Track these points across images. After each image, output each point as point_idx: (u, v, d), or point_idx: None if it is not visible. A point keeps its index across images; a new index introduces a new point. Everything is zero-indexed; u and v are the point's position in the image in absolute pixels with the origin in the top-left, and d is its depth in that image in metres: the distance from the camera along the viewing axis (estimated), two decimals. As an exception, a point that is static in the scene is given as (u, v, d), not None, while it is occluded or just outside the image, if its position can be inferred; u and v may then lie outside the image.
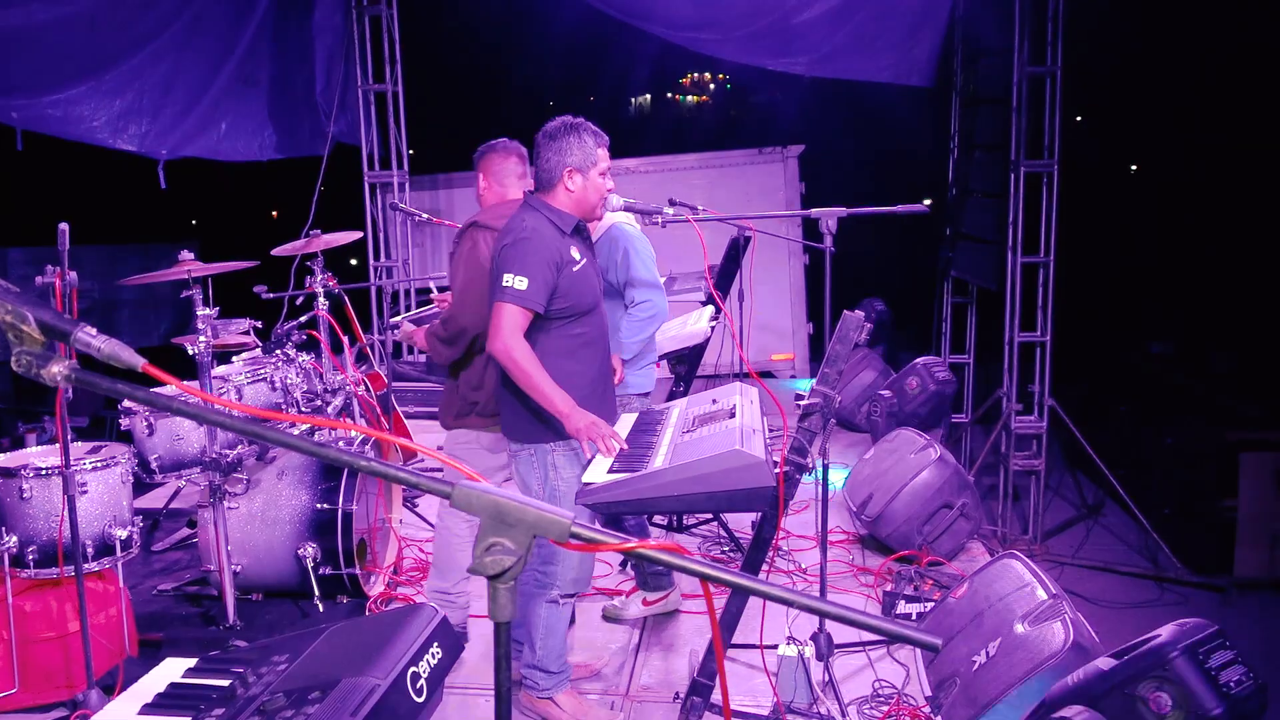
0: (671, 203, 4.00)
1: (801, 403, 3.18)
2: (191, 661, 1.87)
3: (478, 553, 1.17)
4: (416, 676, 1.67)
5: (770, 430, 3.25)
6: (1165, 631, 2.50)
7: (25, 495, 3.49)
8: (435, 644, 1.76)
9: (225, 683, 1.71)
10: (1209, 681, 2.24)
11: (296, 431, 4.22)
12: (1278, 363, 7.40)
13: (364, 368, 5.91)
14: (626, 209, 3.57)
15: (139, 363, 1.22)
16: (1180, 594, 6.16)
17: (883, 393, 6.39)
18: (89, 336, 1.22)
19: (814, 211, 3.60)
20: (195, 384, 3.99)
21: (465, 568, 3.67)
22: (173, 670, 1.83)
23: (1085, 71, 7.61)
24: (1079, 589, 6.02)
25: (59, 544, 3.48)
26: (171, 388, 1.34)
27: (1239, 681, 2.23)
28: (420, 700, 1.65)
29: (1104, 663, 2.51)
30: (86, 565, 3.51)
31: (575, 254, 3.25)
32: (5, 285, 1.26)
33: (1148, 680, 2.35)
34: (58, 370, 1.23)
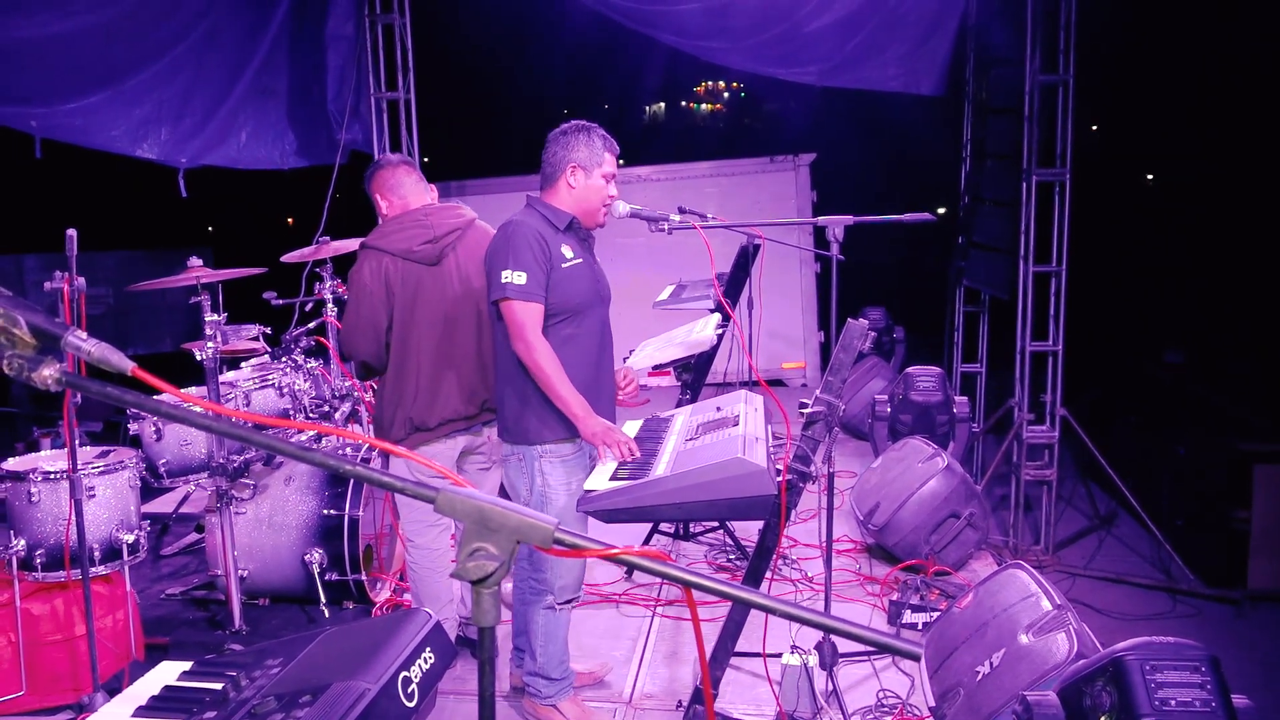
0: (681, 210, 4.00)
1: (805, 411, 3.18)
2: (187, 665, 1.87)
3: (461, 558, 1.17)
4: (408, 681, 1.67)
5: (775, 438, 3.25)
6: (1134, 641, 2.52)
7: (33, 499, 3.52)
8: (428, 649, 1.76)
9: (218, 686, 1.71)
10: (1148, 691, 2.25)
11: (303, 438, 4.24)
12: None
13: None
14: (633, 215, 3.57)
15: (128, 366, 1.23)
16: (1193, 606, 6.09)
17: (879, 397, 6.39)
18: (79, 340, 1.23)
19: (820, 220, 3.60)
20: (197, 390, 4.02)
21: (444, 595, 3.68)
22: (168, 673, 1.84)
23: (1099, 80, 7.58)
24: (1091, 600, 5.97)
25: (66, 548, 3.50)
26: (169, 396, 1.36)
27: (1187, 704, 2.23)
28: (411, 705, 1.65)
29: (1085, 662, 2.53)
30: (93, 569, 3.54)
31: (567, 251, 3.25)
32: None
33: (1101, 679, 2.38)
34: (48, 373, 1.25)
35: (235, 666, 1.78)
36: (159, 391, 1.26)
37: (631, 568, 1.17)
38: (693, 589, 1.14)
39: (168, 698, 1.74)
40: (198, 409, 1.22)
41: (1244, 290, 7.99)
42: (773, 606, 1.12)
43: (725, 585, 1.13)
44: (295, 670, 1.71)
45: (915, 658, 1.05)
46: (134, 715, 1.70)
